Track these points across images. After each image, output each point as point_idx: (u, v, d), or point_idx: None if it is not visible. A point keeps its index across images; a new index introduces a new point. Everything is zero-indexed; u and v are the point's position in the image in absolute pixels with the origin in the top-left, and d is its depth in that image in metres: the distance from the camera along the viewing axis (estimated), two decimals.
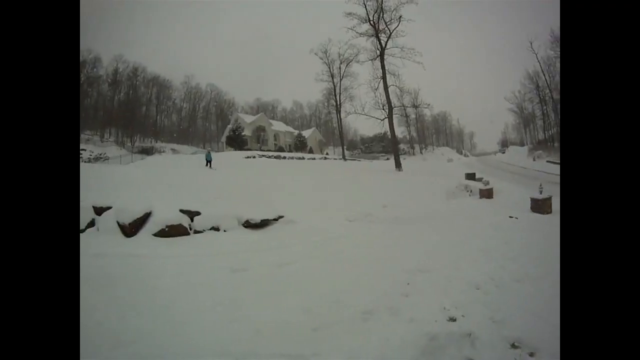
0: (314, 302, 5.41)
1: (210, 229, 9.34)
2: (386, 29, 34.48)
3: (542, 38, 77.67)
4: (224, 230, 9.42)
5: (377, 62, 36.05)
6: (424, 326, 4.81)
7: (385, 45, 34.82)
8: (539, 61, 55.17)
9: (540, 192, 13.74)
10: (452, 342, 4.46)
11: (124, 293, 5.27)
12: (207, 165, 28.59)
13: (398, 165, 35.00)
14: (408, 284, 6.29)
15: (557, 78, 52.48)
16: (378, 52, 35.62)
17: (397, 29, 34.09)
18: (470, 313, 5.20)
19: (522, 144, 75.83)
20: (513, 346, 4.41)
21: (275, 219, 10.46)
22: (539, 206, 13.22)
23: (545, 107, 60.49)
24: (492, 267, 7.07)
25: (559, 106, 53.82)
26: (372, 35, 35.46)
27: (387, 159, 60.92)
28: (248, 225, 9.88)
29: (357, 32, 35.80)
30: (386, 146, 71.68)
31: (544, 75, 55.52)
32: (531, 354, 4.24)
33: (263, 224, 10.09)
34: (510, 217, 12.32)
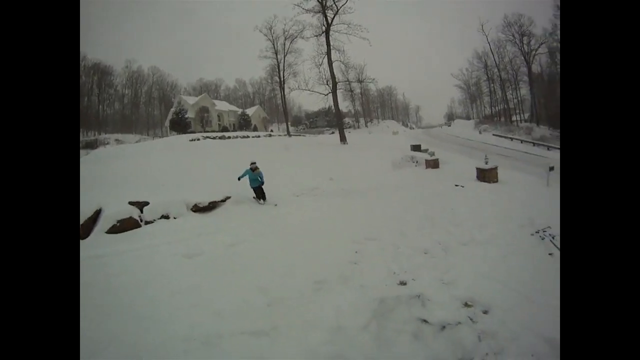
0: (267, 278, 5.64)
1: (161, 218, 9.31)
2: (334, 5, 34.90)
3: (493, 21, 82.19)
4: (174, 217, 9.45)
5: (323, 38, 36.54)
6: (374, 291, 5.16)
7: (332, 21, 35.32)
8: (489, 42, 59.37)
9: (486, 163, 14.74)
10: (402, 303, 4.84)
11: (91, 297, 5.12)
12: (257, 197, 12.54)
13: (343, 139, 35.90)
14: (356, 252, 6.64)
15: (507, 59, 57.83)
16: (324, 29, 36.03)
17: (344, 5, 34.63)
18: (420, 276, 5.62)
19: (468, 118, 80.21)
20: (466, 305, 4.86)
21: (223, 200, 10.71)
22: (485, 175, 14.23)
23: (492, 85, 65.27)
24: (438, 233, 7.61)
25: (506, 84, 59.69)
26: (319, 12, 35.73)
27: (332, 133, 62.03)
28: (197, 209, 10.03)
29: (303, 9, 35.89)
30: (331, 121, 72.79)
31: (493, 55, 60.01)
32: (485, 312, 4.69)
33: (211, 206, 10.34)
34: (456, 185, 13.14)
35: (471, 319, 4.55)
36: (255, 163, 12.38)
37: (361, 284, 5.40)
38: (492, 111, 68.45)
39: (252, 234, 8.09)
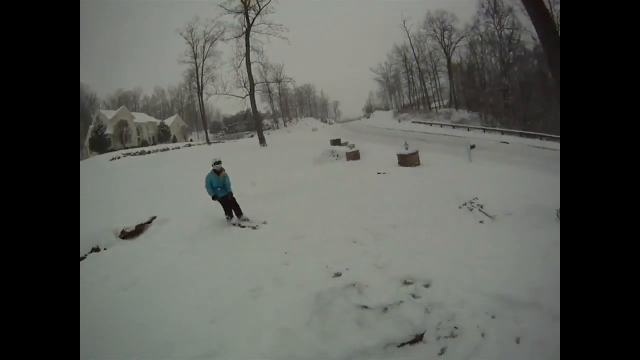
0: (203, 295, 5.43)
1: (91, 252, 8.57)
2: (257, 5, 34.57)
3: (415, 19, 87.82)
4: (104, 249, 8.71)
5: (242, 40, 36.10)
6: (310, 287, 5.11)
7: (253, 21, 35.00)
8: (409, 37, 62.65)
9: (406, 148, 15.34)
10: (339, 295, 4.82)
11: None
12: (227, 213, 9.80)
13: (262, 141, 35.61)
14: (286, 253, 6.53)
15: (426, 51, 61.88)
16: (244, 29, 35.57)
17: (267, 5, 34.48)
18: (353, 265, 5.64)
19: (387, 109, 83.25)
20: (405, 283, 4.97)
21: (149, 222, 10.14)
22: (406, 160, 14.78)
23: (411, 76, 69.09)
24: (364, 220, 7.71)
25: (425, 75, 63.79)
26: (241, 12, 35.13)
27: (251, 136, 61.40)
28: (125, 235, 9.41)
29: (226, 9, 35.11)
30: (249, 124, 72.24)
31: (413, 49, 63.59)
32: (426, 286, 4.84)
33: (139, 229, 9.76)
34: (379, 173, 13.39)
35: (413, 295, 4.69)
36: (220, 163, 9.09)
37: (296, 283, 5.33)
38: (410, 100, 72.21)
39: (181, 252, 7.66)
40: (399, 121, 51.06)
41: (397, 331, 4.16)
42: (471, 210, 7.70)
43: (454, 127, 35.21)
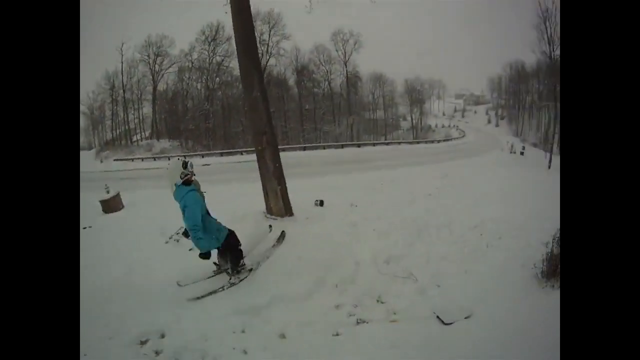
0: None
1: None
2: None
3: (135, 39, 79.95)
4: None
5: None
6: None
7: None
8: (122, 62, 57.31)
9: (107, 192, 14.35)
10: None
11: None
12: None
13: None
14: None
15: (135, 78, 57.94)
16: None
17: None
18: None
19: (90, 147, 73.80)
20: None
21: None
22: (110, 206, 13.66)
23: (116, 107, 62.33)
24: None
25: (129, 104, 59.57)
26: None
27: None
28: None
29: None
30: None
31: (122, 76, 58.27)
32: None
33: None
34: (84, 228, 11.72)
35: None
36: (187, 163, 5.93)
37: None
38: (113, 135, 65.05)
39: None
40: (101, 161, 47.35)
41: None
42: (178, 241, 7.98)
43: (154, 159, 34.90)
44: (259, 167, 9.13)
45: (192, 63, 55.61)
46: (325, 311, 5.75)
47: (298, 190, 10.10)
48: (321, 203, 10.35)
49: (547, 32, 37.47)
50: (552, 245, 5.40)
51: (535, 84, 65.04)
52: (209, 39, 54.63)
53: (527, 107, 68.51)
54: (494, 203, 10.50)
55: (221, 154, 29.53)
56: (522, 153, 38.31)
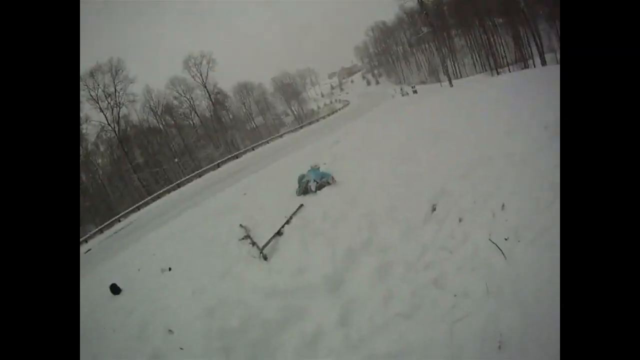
0: None
1: None
2: None
3: None
4: None
5: None
6: None
7: None
8: None
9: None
10: None
11: None
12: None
13: None
14: None
15: None
16: None
17: None
18: None
19: None
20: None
21: None
22: None
23: None
24: None
25: None
26: None
27: None
28: None
29: None
30: None
31: None
32: None
33: None
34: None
35: None
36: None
37: None
38: None
39: None
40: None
41: None
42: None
43: None
44: None
45: None
46: None
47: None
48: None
49: None
50: None
51: (401, 35, 71.86)
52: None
53: (400, 57, 75.70)
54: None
55: None
56: (415, 92, 39.42)
